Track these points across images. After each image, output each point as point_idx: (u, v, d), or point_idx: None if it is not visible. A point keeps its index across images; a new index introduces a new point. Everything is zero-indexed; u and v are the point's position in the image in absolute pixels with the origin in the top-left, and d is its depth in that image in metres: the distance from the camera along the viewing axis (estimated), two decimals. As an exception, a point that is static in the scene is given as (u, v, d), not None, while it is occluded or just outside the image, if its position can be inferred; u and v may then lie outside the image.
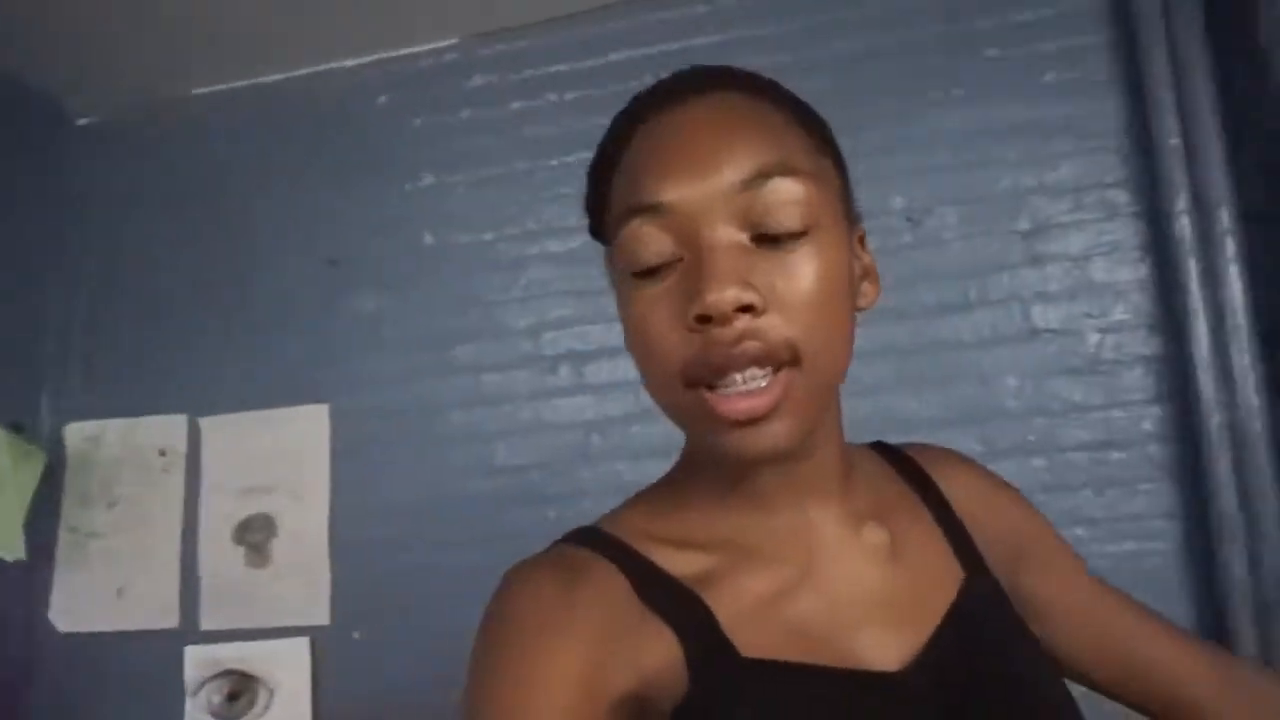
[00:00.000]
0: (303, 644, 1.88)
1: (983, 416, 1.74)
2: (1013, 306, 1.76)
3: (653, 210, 0.59)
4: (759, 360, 0.57)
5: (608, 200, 0.66)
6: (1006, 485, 0.79)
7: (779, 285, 0.58)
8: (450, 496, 1.92)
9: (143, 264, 2.19)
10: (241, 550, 1.96)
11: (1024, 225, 1.78)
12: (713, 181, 0.58)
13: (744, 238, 0.58)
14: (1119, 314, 1.72)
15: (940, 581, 0.67)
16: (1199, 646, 0.74)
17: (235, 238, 2.13)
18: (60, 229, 2.22)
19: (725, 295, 0.56)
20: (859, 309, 0.64)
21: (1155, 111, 1.70)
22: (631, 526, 0.67)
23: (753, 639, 0.60)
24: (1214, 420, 1.58)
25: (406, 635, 1.87)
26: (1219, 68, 1.66)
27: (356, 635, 1.89)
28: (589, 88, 2.04)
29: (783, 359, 0.57)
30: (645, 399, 2.05)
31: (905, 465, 0.75)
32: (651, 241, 0.60)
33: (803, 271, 0.58)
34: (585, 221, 2.13)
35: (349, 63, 2.19)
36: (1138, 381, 1.69)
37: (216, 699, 1.87)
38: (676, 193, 0.59)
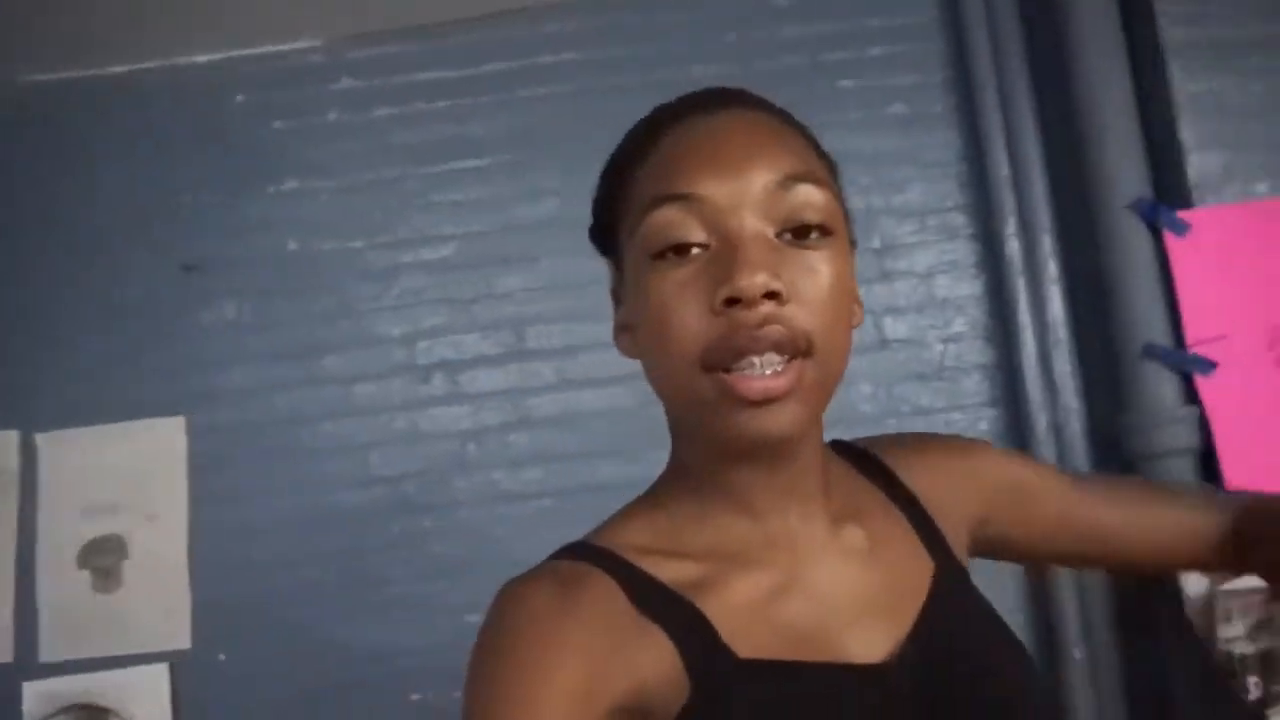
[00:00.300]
0: (161, 670, 1.78)
1: (840, 420, 1.85)
2: (866, 319, 1.90)
3: (684, 199, 0.62)
4: (780, 345, 0.60)
5: (626, 196, 0.67)
6: (958, 448, 0.82)
7: (799, 281, 0.61)
8: (321, 508, 1.88)
9: (-39, 266, 2.01)
10: (88, 574, 1.83)
11: (875, 244, 1.93)
12: (745, 179, 0.62)
13: (770, 233, 0.62)
14: (958, 326, 1.90)
15: (915, 575, 0.70)
16: (1180, 495, 0.83)
17: (75, 238, 1.99)
18: None
19: (756, 280, 0.58)
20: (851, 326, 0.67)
21: (987, 144, 1.89)
22: (620, 539, 0.68)
23: (747, 641, 0.62)
24: (1041, 422, 1.78)
25: (276, 654, 1.81)
26: (1041, 109, 1.87)
27: (222, 658, 1.81)
28: (460, 97, 2.04)
29: (801, 348, 0.60)
30: (523, 407, 2.07)
31: (865, 461, 0.79)
32: (680, 226, 0.62)
33: (823, 270, 0.62)
34: (459, 230, 2.12)
35: (201, 58, 2.10)
36: (975, 387, 1.88)
37: (62, 735, 1.74)
38: (709, 186, 0.62)
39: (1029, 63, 1.87)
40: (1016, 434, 1.83)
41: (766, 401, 0.60)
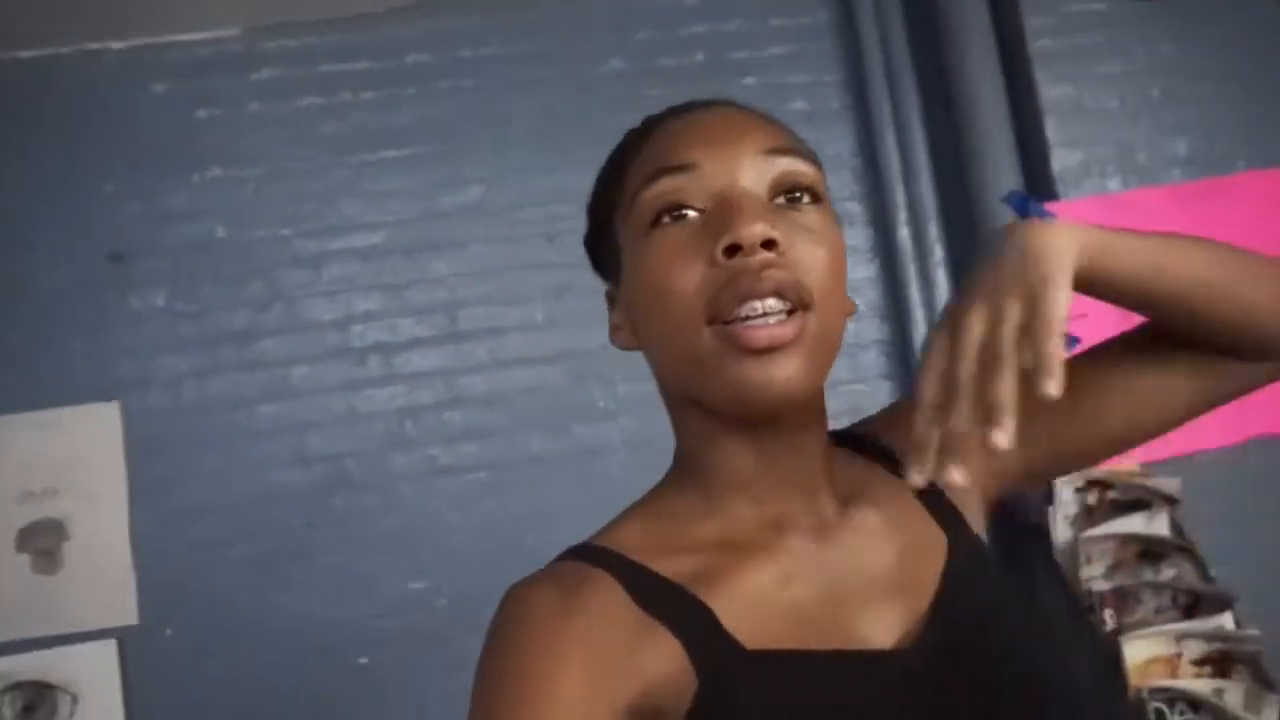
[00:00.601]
0: (109, 646, 1.83)
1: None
2: (774, 299, 2.08)
3: (680, 169, 0.64)
4: (782, 290, 0.60)
5: (621, 188, 0.68)
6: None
7: (795, 238, 0.62)
8: (262, 487, 1.94)
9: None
10: (27, 558, 1.86)
11: (781, 230, 2.10)
12: (738, 148, 0.64)
13: (764, 196, 0.63)
14: (857, 305, 2.08)
15: (928, 551, 0.68)
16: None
17: (-2, 228, 1.99)
18: None
19: (755, 228, 0.59)
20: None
21: (879, 139, 2.08)
22: (624, 538, 0.67)
23: (755, 631, 0.60)
24: (930, 390, 1.99)
25: (223, 628, 1.87)
26: (927, 110, 2.06)
27: (169, 632, 1.87)
28: (384, 88, 2.11)
29: (803, 299, 0.60)
30: (456, 386, 2.18)
31: (865, 445, 0.76)
32: (677, 191, 0.63)
33: (817, 229, 0.63)
34: (388, 218, 2.20)
35: (116, 44, 2.10)
36: (873, 361, 2.07)
37: (9, 714, 1.77)
38: (703, 157, 0.64)
39: (915, 68, 2.07)
40: (907, 402, 2.03)
41: (771, 349, 0.59)
